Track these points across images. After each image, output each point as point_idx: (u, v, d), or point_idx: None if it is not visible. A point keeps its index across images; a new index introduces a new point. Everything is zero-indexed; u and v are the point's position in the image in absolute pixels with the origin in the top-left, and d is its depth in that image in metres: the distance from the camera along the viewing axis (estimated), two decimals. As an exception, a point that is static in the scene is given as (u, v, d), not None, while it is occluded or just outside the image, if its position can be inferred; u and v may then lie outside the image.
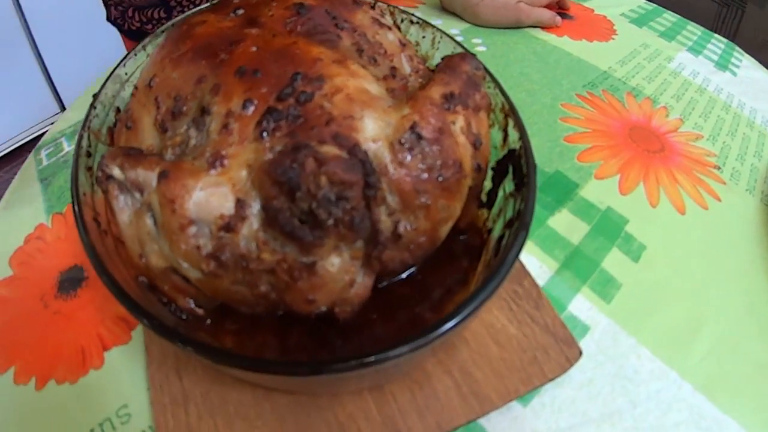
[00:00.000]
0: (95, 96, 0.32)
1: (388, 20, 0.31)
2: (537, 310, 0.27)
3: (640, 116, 0.46)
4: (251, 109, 0.23)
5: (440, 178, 0.23)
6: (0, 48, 1.42)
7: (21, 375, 0.29)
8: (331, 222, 0.21)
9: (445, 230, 0.25)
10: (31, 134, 1.60)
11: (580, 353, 0.25)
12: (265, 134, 0.22)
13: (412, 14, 0.34)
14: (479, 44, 0.54)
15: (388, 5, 0.35)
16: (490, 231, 0.26)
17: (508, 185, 0.26)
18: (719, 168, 0.42)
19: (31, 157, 0.46)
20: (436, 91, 0.25)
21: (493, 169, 0.28)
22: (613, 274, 0.32)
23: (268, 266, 0.22)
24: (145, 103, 0.28)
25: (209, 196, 0.22)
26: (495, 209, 0.27)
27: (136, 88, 0.29)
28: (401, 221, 0.23)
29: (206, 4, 0.32)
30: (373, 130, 0.23)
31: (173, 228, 0.22)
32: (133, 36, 0.70)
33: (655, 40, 0.59)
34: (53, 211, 0.40)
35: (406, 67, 0.30)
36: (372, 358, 0.19)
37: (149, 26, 0.68)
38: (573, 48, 0.53)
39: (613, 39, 0.57)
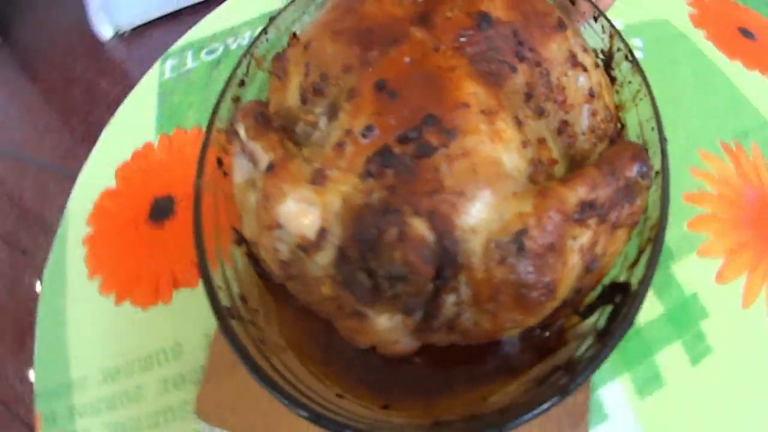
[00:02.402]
0: (272, 18, 0.32)
1: (587, 59, 0.25)
2: (571, 429, 0.25)
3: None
4: (370, 138, 0.22)
5: (522, 293, 0.21)
6: None
7: (105, 287, 0.33)
8: (389, 294, 0.21)
9: (507, 334, 0.23)
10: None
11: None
12: (369, 176, 0.21)
13: (630, 49, 0.27)
14: (638, 47, 0.41)
15: (611, 24, 0.28)
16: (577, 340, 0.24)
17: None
18: None
19: (157, 65, 0.45)
20: (574, 193, 0.21)
21: (605, 286, 0.24)
22: (662, 371, 0.28)
23: (325, 298, 0.23)
24: (298, 62, 0.28)
25: (299, 214, 0.22)
26: (590, 321, 0.24)
27: (296, 38, 0.29)
28: (465, 314, 0.22)
29: None
30: (477, 220, 0.21)
31: (262, 222, 0.24)
32: None
33: None
34: (162, 131, 0.40)
35: (583, 123, 0.25)
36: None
37: None
38: (741, 80, 0.38)
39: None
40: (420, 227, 0.20)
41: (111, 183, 0.39)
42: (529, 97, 0.24)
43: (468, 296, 0.21)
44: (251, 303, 0.26)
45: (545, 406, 0.19)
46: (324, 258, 0.22)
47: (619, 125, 0.27)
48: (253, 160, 0.25)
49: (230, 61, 0.43)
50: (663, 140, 0.24)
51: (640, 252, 0.23)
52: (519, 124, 0.23)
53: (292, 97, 0.28)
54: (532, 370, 0.25)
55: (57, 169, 1.13)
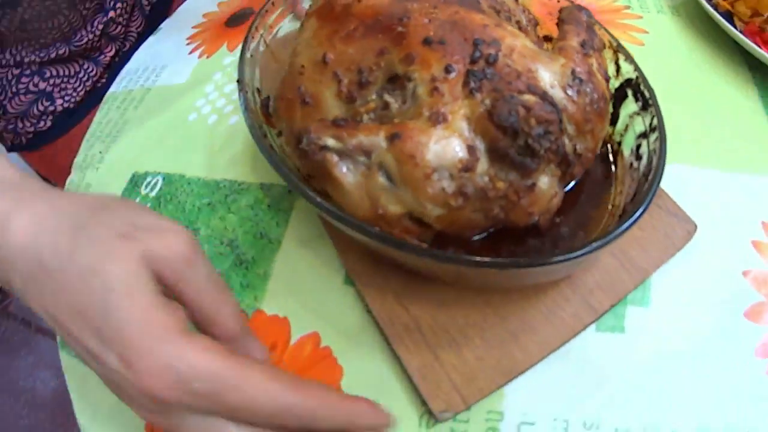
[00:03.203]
0: (240, 81, 0.35)
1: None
2: (659, 198, 0.35)
3: None
4: (453, 73, 0.28)
5: (596, 107, 0.30)
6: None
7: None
8: (542, 151, 0.28)
9: (600, 146, 0.32)
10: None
11: (695, 227, 0.34)
12: (474, 91, 0.28)
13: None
14: None
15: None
16: (619, 143, 0.34)
17: (631, 107, 0.33)
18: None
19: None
20: (575, 41, 0.31)
21: (612, 94, 0.35)
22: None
23: (502, 192, 0.28)
24: (320, 80, 0.32)
25: (444, 147, 0.27)
26: (620, 125, 0.34)
27: (301, 67, 0.33)
28: (578, 143, 0.30)
29: None
30: (549, 79, 0.29)
31: (417, 178, 0.27)
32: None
33: None
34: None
35: (522, 19, 0.36)
36: (578, 253, 0.26)
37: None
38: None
39: None
40: (530, 97, 0.28)
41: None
42: (498, 12, 0.34)
43: (573, 130, 0.30)
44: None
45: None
46: (483, 165, 0.28)
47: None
48: (364, 151, 0.28)
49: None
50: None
51: (616, 57, 0.35)
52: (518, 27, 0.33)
53: (333, 107, 0.32)
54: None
55: None
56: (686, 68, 0.46)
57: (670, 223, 0.34)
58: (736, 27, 0.45)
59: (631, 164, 0.32)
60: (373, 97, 0.31)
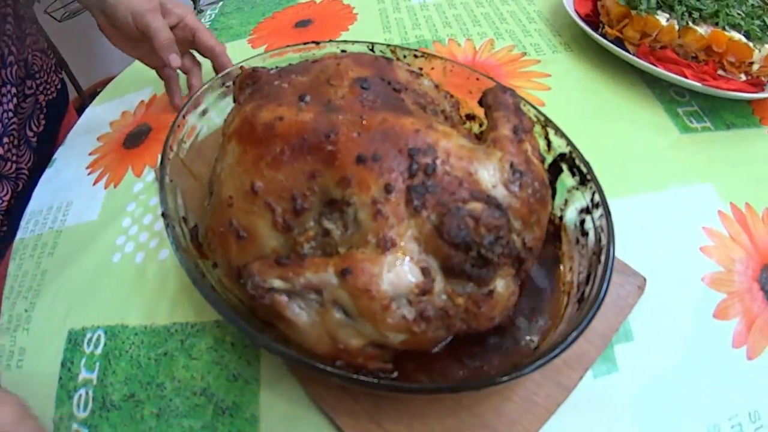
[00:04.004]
0: (165, 214, 0.32)
1: (413, 67, 0.36)
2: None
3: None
4: (394, 192, 0.27)
5: (539, 196, 0.30)
6: None
7: None
8: (496, 258, 0.27)
9: (545, 230, 0.32)
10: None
11: (645, 280, 0.35)
12: (419, 209, 0.27)
13: (412, 49, 0.39)
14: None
15: (388, 46, 0.39)
16: (560, 218, 0.34)
17: (568, 181, 0.34)
18: None
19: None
20: (506, 129, 0.31)
21: (546, 170, 0.35)
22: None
23: (463, 307, 0.27)
24: (252, 210, 0.30)
25: (398, 274, 0.26)
26: (559, 200, 0.34)
27: (229, 198, 0.30)
28: (526, 236, 0.30)
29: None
30: (489, 179, 0.29)
31: (375, 310, 0.26)
32: None
33: None
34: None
35: (446, 106, 0.35)
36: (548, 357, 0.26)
37: None
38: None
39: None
40: (476, 205, 0.27)
41: None
42: (423, 108, 0.33)
43: (520, 225, 0.29)
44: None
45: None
46: (439, 284, 0.27)
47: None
48: (314, 289, 0.27)
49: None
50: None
51: (546, 132, 0.35)
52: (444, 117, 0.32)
53: (269, 239, 0.30)
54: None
55: None
56: (593, 101, 0.47)
57: (620, 283, 0.35)
58: (628, 51, 0.47)
59: (578, 240, 0.33)
60: (311, 224, 0.29)
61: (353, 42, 0.42)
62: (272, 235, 0.30)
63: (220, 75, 0.42)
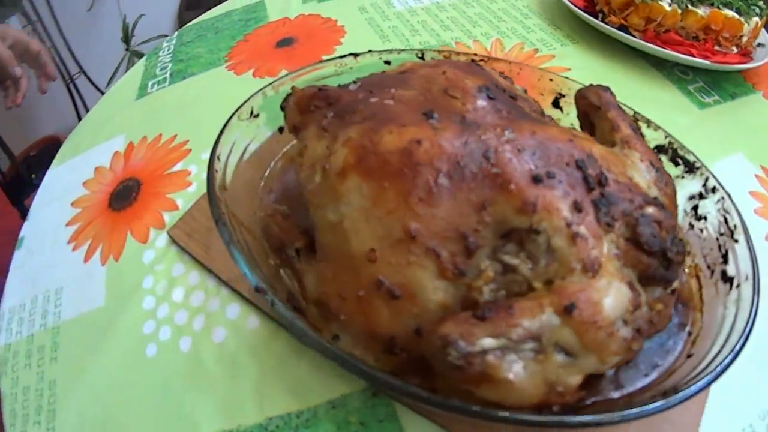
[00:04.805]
0: (258, 288, 0.26)
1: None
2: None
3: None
4: (584, 210, 0.25)
5: (673, 188, 0.30)
6: None
7: None
8: (676, 257, 0.26)
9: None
10: None
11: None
12: (611, 223, 0.25)
13: (470, 53, 0.36)
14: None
15: (440, 52, 0.36)
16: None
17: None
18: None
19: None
20: (627, 128, 0.31)
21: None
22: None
23: (661, 312, 0.26)
24: (408, 261, 0.25)
25: (615, 297, 0.24)
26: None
27: (371, 251, 0.25)
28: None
29: None
30: (644, 181, 0.28)
31: (601, 340, 0.24)
32: None
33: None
34: None
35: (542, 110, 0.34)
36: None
37: None
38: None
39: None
40: (651, 210, 0.26)
41: None
42: (537, 113, 0.31)
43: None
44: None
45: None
46: (642, 296, 0.25)
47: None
48: (532, 336, 0.23)
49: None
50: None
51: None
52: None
53: (434, 291, 0.25)
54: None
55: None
56: (616, 90, 0.48)
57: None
58: (635, 38, 0.49)
59: (691, 225, 0.33)
60: (486, 263, 0.25)
61: (399, 51, 0.38)
62: (439, 286, 0.25)
63: (239, 107, 0.35)
